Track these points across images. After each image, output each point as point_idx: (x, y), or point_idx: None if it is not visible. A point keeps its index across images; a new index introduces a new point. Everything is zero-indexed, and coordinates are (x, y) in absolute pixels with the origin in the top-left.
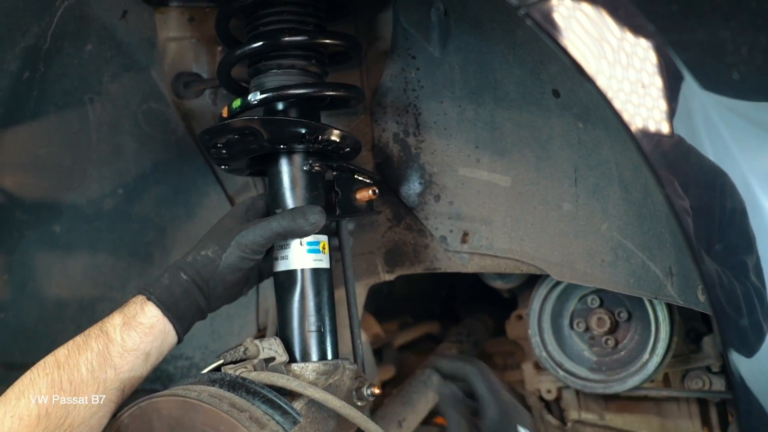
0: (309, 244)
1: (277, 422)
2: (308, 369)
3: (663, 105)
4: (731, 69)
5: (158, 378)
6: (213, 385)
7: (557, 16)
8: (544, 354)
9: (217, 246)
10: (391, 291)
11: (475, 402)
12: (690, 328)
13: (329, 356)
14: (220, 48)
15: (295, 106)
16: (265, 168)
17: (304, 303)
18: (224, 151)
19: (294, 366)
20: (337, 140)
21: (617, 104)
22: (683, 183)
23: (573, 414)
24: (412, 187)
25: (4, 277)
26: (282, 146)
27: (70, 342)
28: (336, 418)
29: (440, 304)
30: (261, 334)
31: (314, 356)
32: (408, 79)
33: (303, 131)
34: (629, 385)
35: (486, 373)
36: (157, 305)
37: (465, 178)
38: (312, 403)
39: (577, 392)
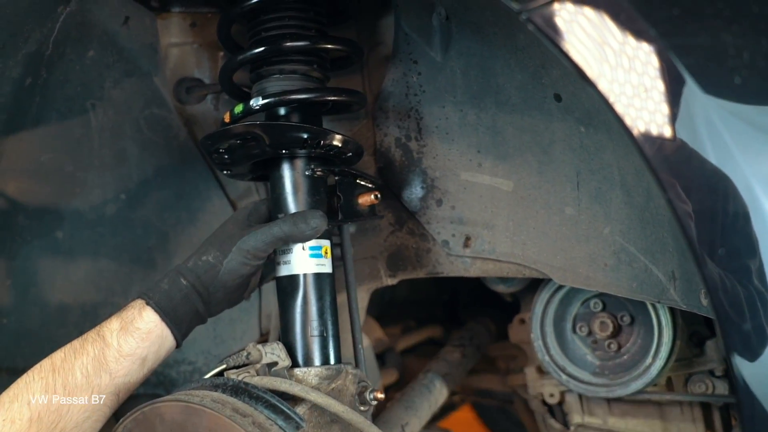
0: (311, 248)
1: (280, 427)
2: (311, 374)
3: (665, 109)
4: (733, 73)
5: (161, 383)
6: (216, 390)
7: (559, 21)
8: (546, 358)
9: (218, 251)
10: (394, 295)
11: None
12: (693, 331)
13: (332, 361)
14: (222, 53)
15: (297, 111)
16: (267, 173)
17: (306, 307)
18: (226, 156)
19: (297, 371)
20: (339, 145)
21: (619, 108)
22: (685, 187)
23: (576, 418)
24: (414, 192)
25: (7, 283)
26: (284, 151)
27: (68, 345)
28: (339, 423)
29: (443, 308)
30: (263, 339)
31: (317, 361)
32: (410, 83)
33: (305, 136)
34: (632, 389)
35: None
36: (156, 310)
37: (467, 182)
38: (315, 407)
39: (580, 396)
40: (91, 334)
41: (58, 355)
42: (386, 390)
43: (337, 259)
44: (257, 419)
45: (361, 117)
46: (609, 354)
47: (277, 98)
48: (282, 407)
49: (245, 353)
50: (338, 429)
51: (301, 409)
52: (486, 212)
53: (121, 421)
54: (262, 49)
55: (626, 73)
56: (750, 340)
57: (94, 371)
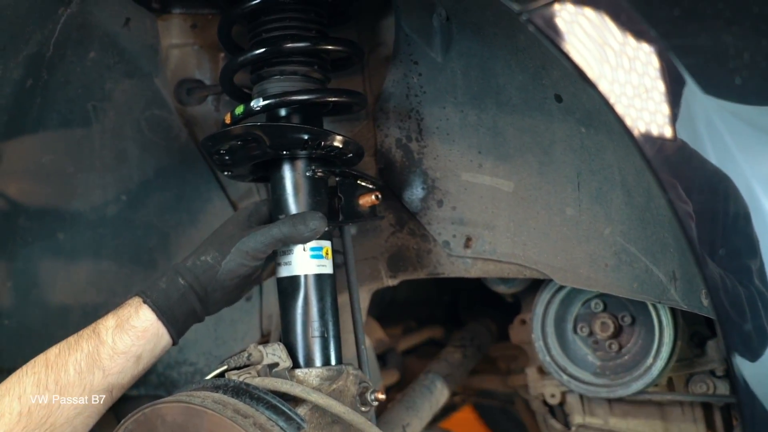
0: (312, 249)
1: (281, 428)
2: (312, 374)
3: (665, 109)
4: (734, 74)
5: (162, 384)
6: (217, 391)
7: (559, 21)
8: (547, 358)
9: (217, 252)
10: (395, 296)
11: None
12: (694, 332)
13: (333, 362)
14: (222, 54)
15: (297, 112)
16: (267, 174)
17: (307, 308)
18: (227, 158)
19: (298, 371)
20: (340, 146)
21: (619, 109)
22: (686, 187)
23: (577, 418)
24: (415, 193)
25: (8, 284)
26: (285, 152)
27: (63, 342)
28: (340, 424)
29: (444, 308)
30: (264, 340)
31: (318, 362)
32: (410, 84)
33: (306, 137)
34: (633, 389)
35: None
36: (153, 309)
37: (468, 183)
38: (316, 408)
39: (581, 396)
40: (86, 331)
41: (52, 351)
42: (387, 391)
43: (338, 264)
44: (258, 420)
45: (362, 118)
46: (610, 354)
47: (277, 99)
48: (283, 408)
49: (246, 354)
50: (339, 430)
51: (302, 410)
52: (487, 213)
53: (122, 422)
54: (262, 50)
55: (627, 74)
56: (751, 340)
57: (87, 368)
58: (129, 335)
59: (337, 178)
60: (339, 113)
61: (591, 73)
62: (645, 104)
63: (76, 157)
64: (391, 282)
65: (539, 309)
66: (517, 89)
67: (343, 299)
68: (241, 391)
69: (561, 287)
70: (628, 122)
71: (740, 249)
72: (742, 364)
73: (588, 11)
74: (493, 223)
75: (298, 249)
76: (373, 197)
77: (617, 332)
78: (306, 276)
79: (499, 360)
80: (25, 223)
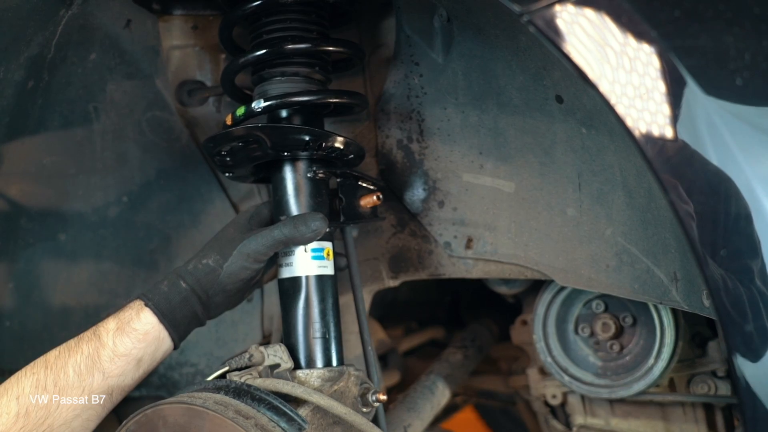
0: (313, 250)
1: (283, 429)
2: (313, 375)
3: (666, 110)
4: (734, 74)
5: (163, 385)
6: (218, 392)
7: (560, 23)
8: (549, 359)
9: (218, 255)
10: (396, 297)
11: None
12: (695, 332)
13: (334, 363)
14: (223, 56)
15: (298, 114)
16: (269, 175)
17: (308, 309)
18: (228, 159)
19: (299, 372)
20: (341, 147)
21: (620, 110)
22: (687, 188)
23: (578, 419)
24: (416, 193)
25: (9, 285)
26: (286, 153)
27: (64, 344)
28: (341, 425)
29: (445, 309)
30: (266, 341)
31: (319, 363)
32: (411, 85)
33: (307, 138)
34: (635, 390)
35: None
36: (154, 312)
37: (469, 183)
38: (317, 409)
39: (583, 397)
40: (87, 334)
41: (52, 353)
42: (388, 391)
43: (339, 267)
44: (260, 421)
45: (363, 119)
46: (611, 355)
47: (278, 100)
48: (285, 409)
49: (248, 355)
50: (341, 431)
51: (303, 411)
52: (488, 214)
53: (124, 423)
54: (264, 51)
55: (627, 75)
56: (752, 340)
57: (87, 370)
58: (130, 338)
59: (338, 179)
60: (340, 114)
61: (592, 74)
62: (646, 105)
63: (77, 159)
64: (393, 283)
65: (540, 310)
66: (518, 90)
67: (344, 300)
68: (242, 392)
69: (562, 288)
70: (629, 123)
71: (741, 249)
72: (743, 364)
73: (589, 12)
74: (494, 224)
75: (299, 250)
76: (375, 198)
77: (618, 333)
78: (307, 277)
79: (500, 361)
80: (27, 225)
